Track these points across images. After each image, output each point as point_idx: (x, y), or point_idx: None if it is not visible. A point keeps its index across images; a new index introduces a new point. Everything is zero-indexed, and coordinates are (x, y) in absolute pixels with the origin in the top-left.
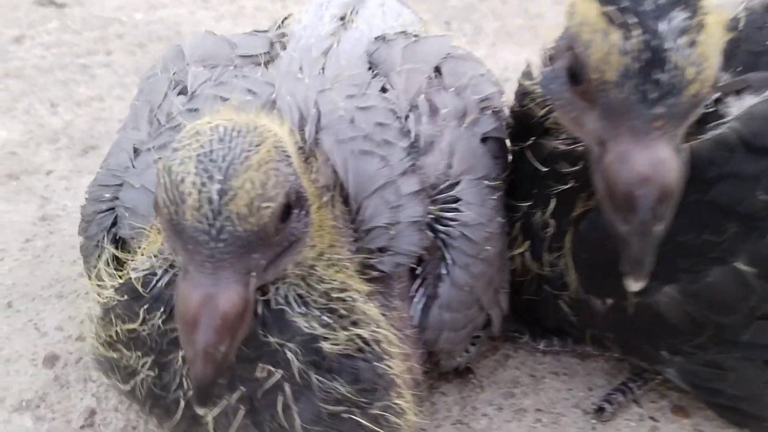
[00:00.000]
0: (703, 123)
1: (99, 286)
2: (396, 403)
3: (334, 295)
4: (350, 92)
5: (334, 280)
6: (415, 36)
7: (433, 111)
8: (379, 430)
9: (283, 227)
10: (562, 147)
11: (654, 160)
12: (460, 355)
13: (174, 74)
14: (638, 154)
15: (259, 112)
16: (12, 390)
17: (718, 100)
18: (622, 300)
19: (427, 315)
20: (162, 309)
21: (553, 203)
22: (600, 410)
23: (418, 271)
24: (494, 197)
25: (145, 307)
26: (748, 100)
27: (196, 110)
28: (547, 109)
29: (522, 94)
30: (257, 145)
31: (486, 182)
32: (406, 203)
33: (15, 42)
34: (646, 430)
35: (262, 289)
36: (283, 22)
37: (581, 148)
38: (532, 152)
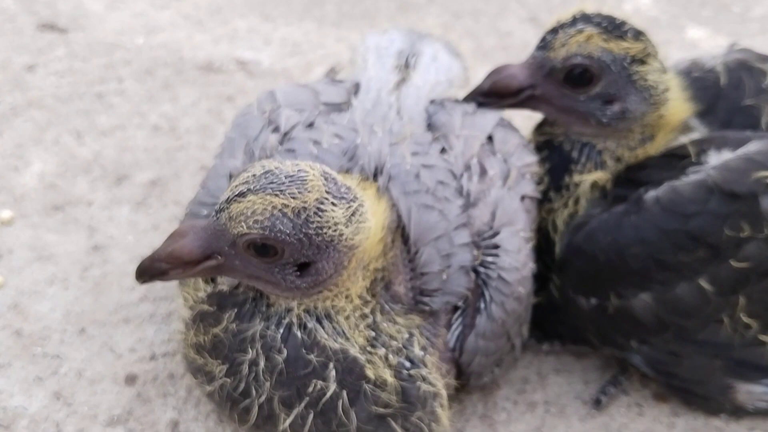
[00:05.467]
0: (685, 167)
1: (193, 292)
2: (434, 412)
3: (379, 331)
4: (415, 149)
5: (383, 318)
6: (471, 107)
7: (483, 172)
8: None
9: (257, 259)
10: None
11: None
12: (486, 376)
13: (267, 114)
14: None
15: (355, 180)
16: (102, 407)
17: (701, 151)
18: (605, 301)
19: (464, 341)
20: (236, 312)
21: None
22: (597, 402)
23: (459, 304)
24: (528, 246)
25: (228, 314)
26: (725, 155)
27: (292, 151)
28: None
29: None
30: (291, 197)
31: (522, 233)
32: (457, 252)
33: (28, 71)
34: (633, 414)
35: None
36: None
37: None
38: None
